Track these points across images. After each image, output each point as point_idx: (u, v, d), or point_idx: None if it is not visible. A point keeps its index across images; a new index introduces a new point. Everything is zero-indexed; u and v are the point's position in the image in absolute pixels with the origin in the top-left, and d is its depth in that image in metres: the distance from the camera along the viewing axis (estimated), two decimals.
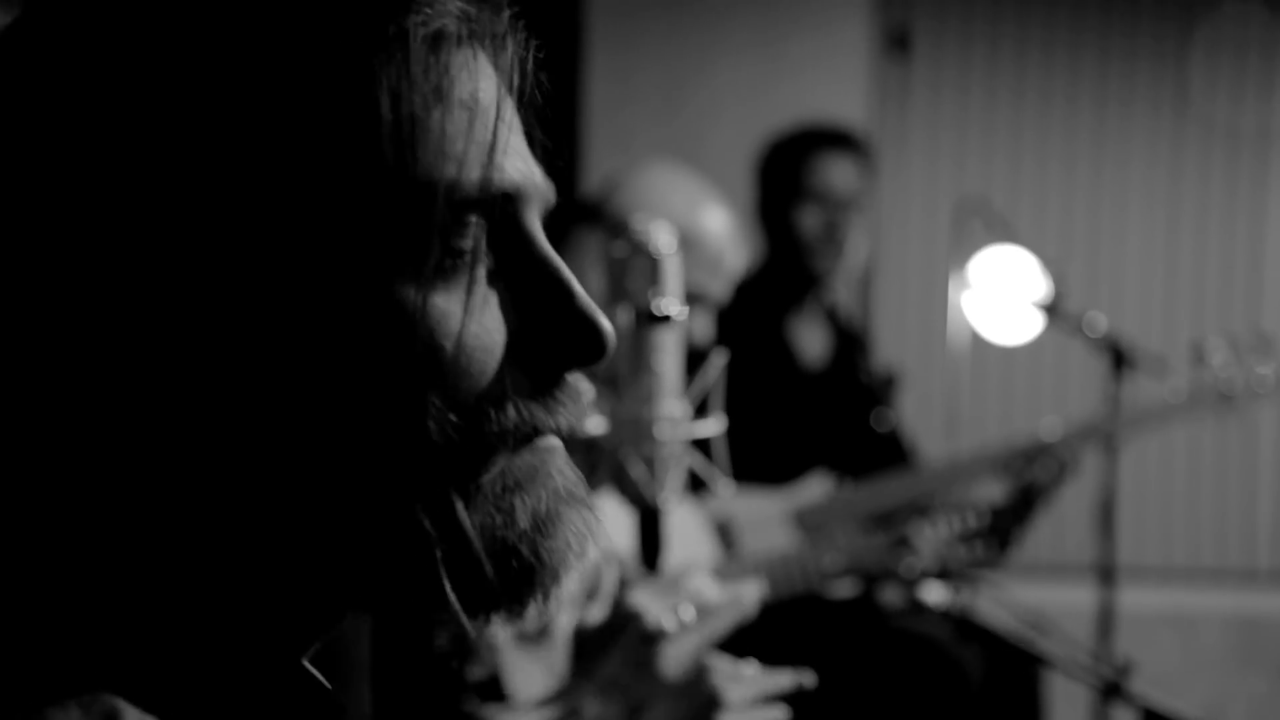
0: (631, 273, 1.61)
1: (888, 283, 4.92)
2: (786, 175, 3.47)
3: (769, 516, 3.05)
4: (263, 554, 0.70)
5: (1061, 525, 4.78)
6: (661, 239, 1.62)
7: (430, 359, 0.69)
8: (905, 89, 4.95)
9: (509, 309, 0.73)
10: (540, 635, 2.08)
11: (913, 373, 4.48)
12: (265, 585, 0.71)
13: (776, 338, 3.43)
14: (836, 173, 3.47)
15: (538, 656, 2.11)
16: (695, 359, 2.43)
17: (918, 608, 2.16)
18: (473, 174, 0.71)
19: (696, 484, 2.17)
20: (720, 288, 2.56)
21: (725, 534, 2.96)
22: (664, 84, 4.64)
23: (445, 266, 0.70)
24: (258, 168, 0.67)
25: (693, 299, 2.48)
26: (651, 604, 1.80)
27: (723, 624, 1.61)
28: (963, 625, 2.05)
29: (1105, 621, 3.59)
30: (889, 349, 4.74)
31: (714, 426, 1.64)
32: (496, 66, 0.74)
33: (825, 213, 3.43)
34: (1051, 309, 3.64)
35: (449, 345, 0.70)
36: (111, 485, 0.68)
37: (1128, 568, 4.78)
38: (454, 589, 0.70)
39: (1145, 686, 2.00)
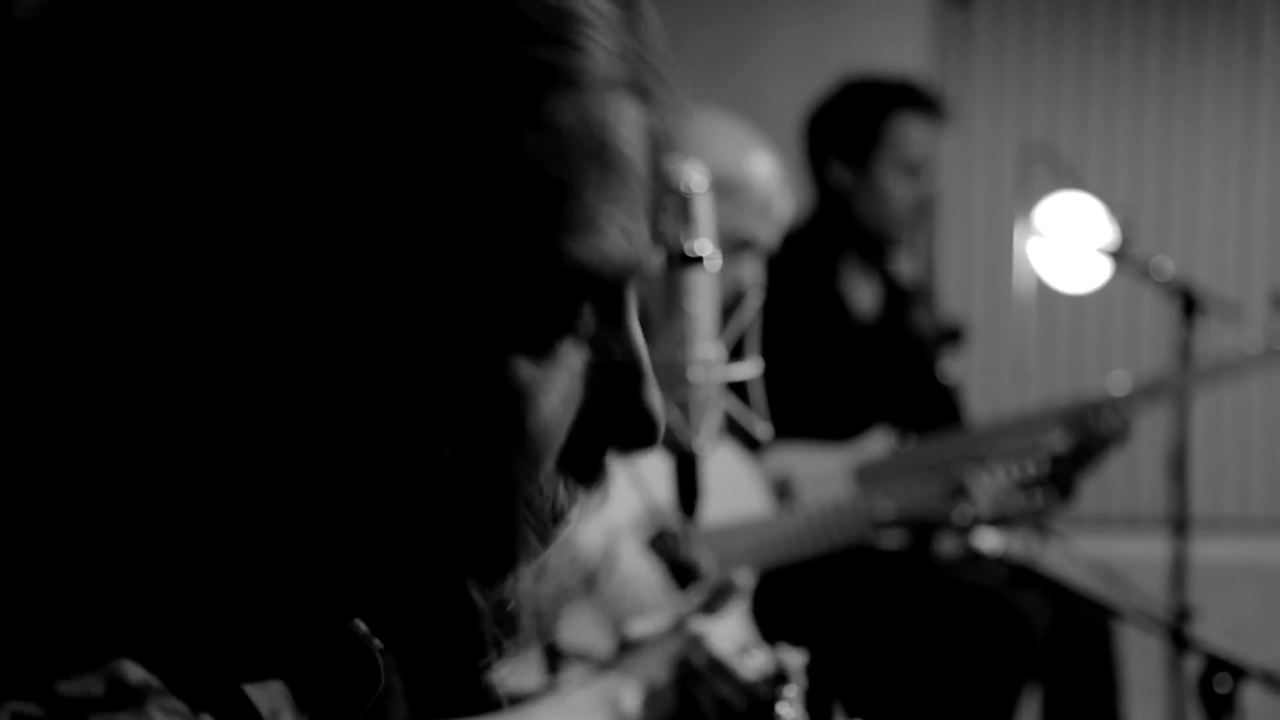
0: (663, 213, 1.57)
1: (952, 232, 4.84)
2: (870, 133, 3.35)
3: (829, 472, 3.01)
4: (299, 583, 0.68)
5: (1136, 476, 4.70)
6: (693, 178, 1.58)
7: (516, 432, 0.66)
8: (967, 35, 4.86)
9: (586, 383, 0.70)
10: (588, 586, 2.05)
11: (979, 323, 4.40)
12: (289, 603, 0.68)
13: (830, 291, 3.37)
14: (928, 142, 3.37)
15: (586, 606, 2.08)
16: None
17: (973, 557, 2.11)
18: (613, 253, 0.66)
19: (738, 432, 2.13)
20: (769, 234, 2.52)
21: (785, 490, 2.92)
22: (719, 43, 4.58)
23: (552, 340, 0.67)
24: (387, 217, 0.62)
25: (742, 245, 2.44)
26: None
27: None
28: (1019, 572, 2.00)
29: (1178, 572, 3.52)
30: (954, 299, 4.67)
31: (750, 369, 1.60)
32: (644, 117, 0.68)
33: (918, 185, 3.35)
34: (1119, 255, 3.55)
35: (532, 418, 0.66)
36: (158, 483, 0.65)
37: (1205, 519, 4.69)
38: (454, 647, 0.70)
39: (1220, 637, 1.95)
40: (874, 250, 3.40)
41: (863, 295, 3.42)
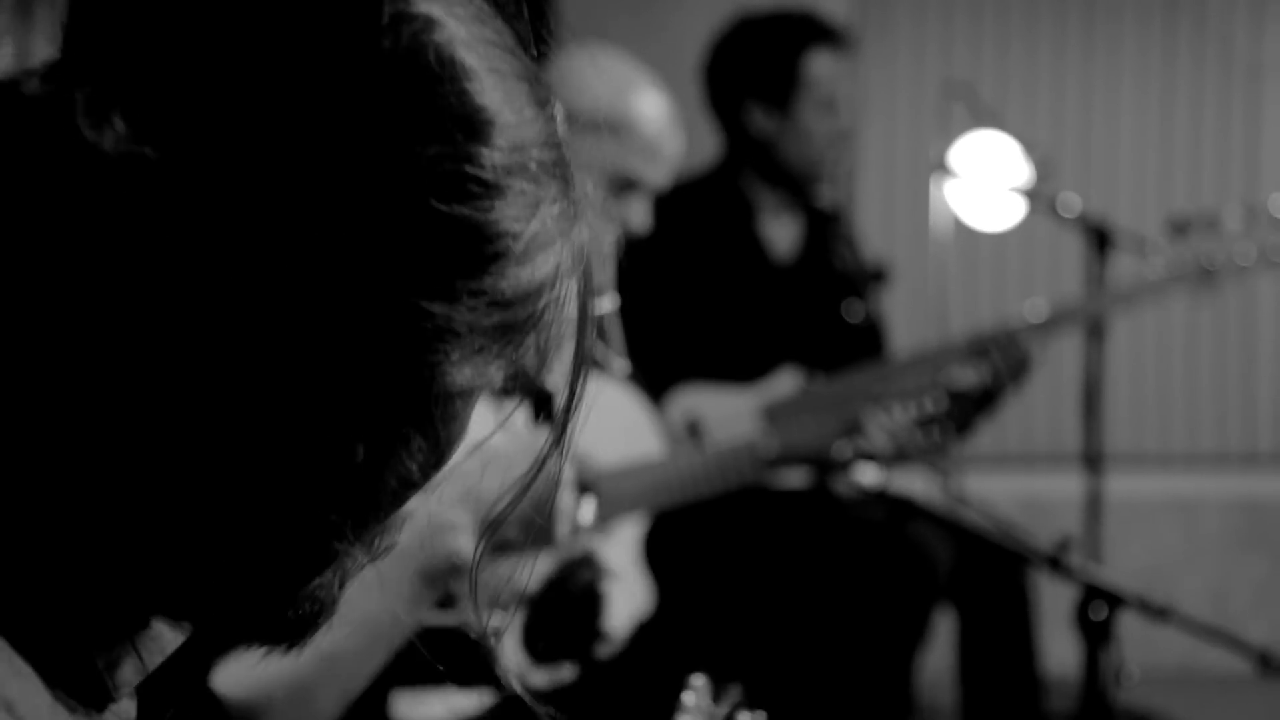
0: None
1: (872, 171, 4.84)
2: (787, 74, 3.30)
3: (738, 412, 3.00)
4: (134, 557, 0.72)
5: (1059, 413, 4.73)
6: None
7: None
8: None
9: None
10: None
11: (900, 261, 4.41)
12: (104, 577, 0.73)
13: (747, 234, 3.34)
14: (841, 74, 3.34)
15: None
16: (633, 248, 2.37)
17: (865, 493, 2.11)
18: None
19: (643, 373, 2.12)
20: (658, 174, 2.49)
21: (695, 430, 2.92)
22: None
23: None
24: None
25: (628, 185, 2.42)
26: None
27: None
28: (898, 506, 2.00)
29: (1093, 508, 3.54)
30: (875, 240, 4.66)
31: (605, 304, 1.59)
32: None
33: (837, 119, 3.31)
34: (1032, 193, 3.56)
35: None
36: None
37: (1125, 454, 4.73)
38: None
39: (1143, 574, 1.96)
40: (797, 189, 3.37)
41: (783, 235, 3.39)
